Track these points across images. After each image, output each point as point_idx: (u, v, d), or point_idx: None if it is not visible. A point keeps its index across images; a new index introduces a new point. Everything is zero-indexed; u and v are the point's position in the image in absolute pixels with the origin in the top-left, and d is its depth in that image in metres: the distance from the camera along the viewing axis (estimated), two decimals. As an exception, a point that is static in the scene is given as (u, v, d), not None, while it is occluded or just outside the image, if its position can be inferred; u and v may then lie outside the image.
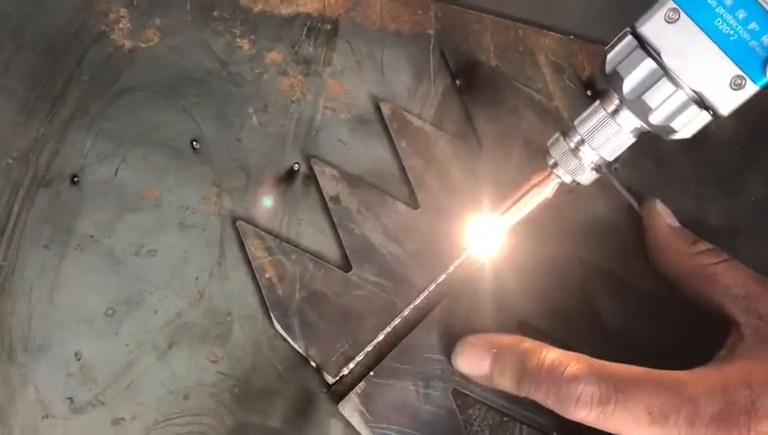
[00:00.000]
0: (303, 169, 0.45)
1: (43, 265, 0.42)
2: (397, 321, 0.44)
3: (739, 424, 0.36)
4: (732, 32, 0.36)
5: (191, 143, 0.45)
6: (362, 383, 0.42)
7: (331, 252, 0.45)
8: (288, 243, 0.44)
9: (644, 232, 0.46)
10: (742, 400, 0.36)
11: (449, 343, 0.43)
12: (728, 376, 0.37)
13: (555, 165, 0.40)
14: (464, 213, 0.45)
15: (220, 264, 0.44)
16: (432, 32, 0.49)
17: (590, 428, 0.38)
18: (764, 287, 0.41)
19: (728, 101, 0.36)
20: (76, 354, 0.42)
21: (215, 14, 0.47)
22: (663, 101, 0.36)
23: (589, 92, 0.49)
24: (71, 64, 0.45)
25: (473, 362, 0.41)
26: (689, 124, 0.37)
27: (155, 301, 0.43)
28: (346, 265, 0.44)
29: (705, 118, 0.37)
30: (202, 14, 0.46)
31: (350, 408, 0.42)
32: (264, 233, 0.44)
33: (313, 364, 0.43)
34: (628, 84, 0.37)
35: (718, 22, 0.36)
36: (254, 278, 0.43)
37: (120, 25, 0.46)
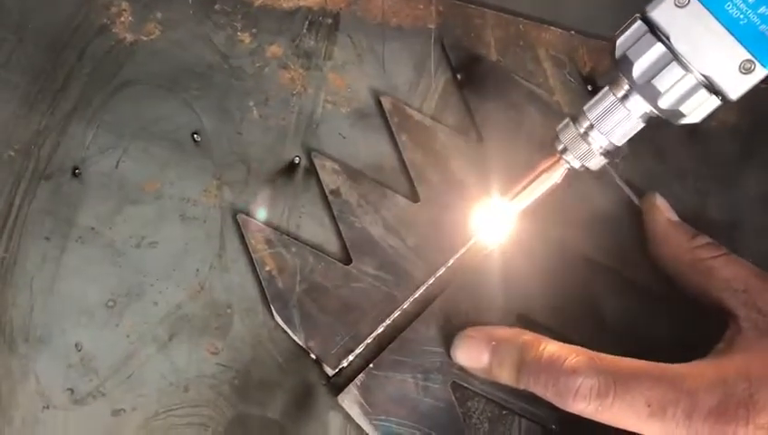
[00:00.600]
0: (304, 162, 0.46)
1: (44, 257, 0.42)
2: (396, 313, 0.44)
3: (737, 417, 0.36)
4: (742, 16, 0.36)
5: (192, 136, 0.45)
6: (362, 375, 0.42)
7: (332, 245, 0.45)
8: (288, 236, 0.44)
9: (643, 226, 0.46)
10: (740, 393, 0.36)
11: (448, 336, 0.43)
12: (727, 369, 0.37)
13: (564, 150, 0.40)
14: (464, 206, 0.45)
15: (220, 256, 0.44)
16: (433, 26, 0.49)
17: (588, 420, 0.38)
18: (764, 281, 0.41)
19: (737, 86, 0.36)
20: (77, 345, 0.42)
21: (216, 7, 0.47)
22: (672, 85, 0.37)
23: (589, 87, 0.49)
24: (72, 57, 0.45)
25: (472, 354, 0.41)
26: (698, 108, 0.37)
27: (155, 293, 0.43)
28: (346, 258, 0.44)
29: (714, 102, 0.37)
30: (203, 7, 0.47)
31: (349, 400, 0.42)
32: (264, 225, 0.44)
33: (313, 356, 0.43)
34: (638, 68, 0.37)
35: (728, 6, 0.36)
36: (254, 270, 0.43)
37: (122, 19, 0.46)
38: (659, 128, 0.47)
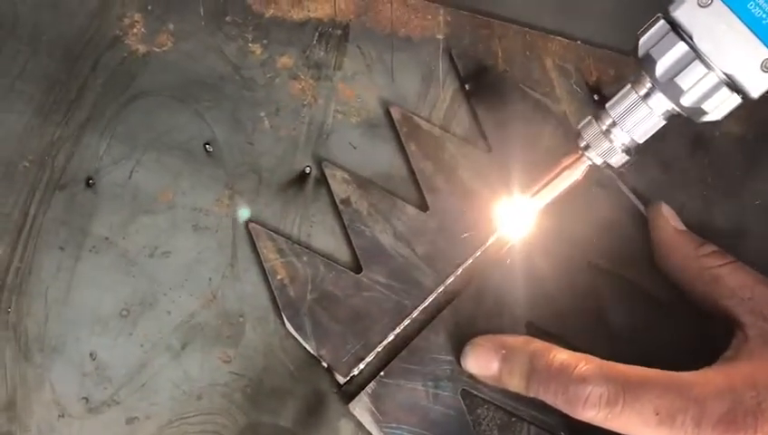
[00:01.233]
0: (315, 172, 0.46)
1: (58, 267, 0.43)
2: (407, 322, 0.44)
3: (746, 425, 0.36)
4: (764, 15, 0.36)
5: (204, 146, 0.45)
6: (373, 383, 0.43)
7: (342, 254, 0.45)
8: (299, 245, 0.45)
9: (650, 235, 0.46)
10: (748, 401, 0.36)
11: (458, 344, 0.43)
12: (734, 377, 0.37)
13: (587, 147, 0.41)
14: (473, 215, 0.45)
15: (232, 265, 0.44)
16: (441, 37, 0.49)
17: (597, 428, 0.38)
18: (770, 289, 0.41)
19: (759, 84, 0.37)
20: (91, 354, 0.42)
21: (227, 19, 0.47)
22: (695, 84, 0.37)
23: (596, 97, 0.50)
24: (86, 69, 0.45)
25: (482, 362, 0.42)
26: (720, 106, 0.38)
27: (168, 302, 0.43)
28: (356, 267, 0.45)
29: (735, 100, 0.38)
30: (215, 19, 0.47)
31: (360, 407, 0.43)
32: (275, 235, 0.44)
33: (324, 365, 0.43)
34: (661, 67, 0.38)
35: (751, 5, 0.36)
36: (265, 279, 0.44)
37: (134, 30, 0.46)
38: (666, 137, 0.48)
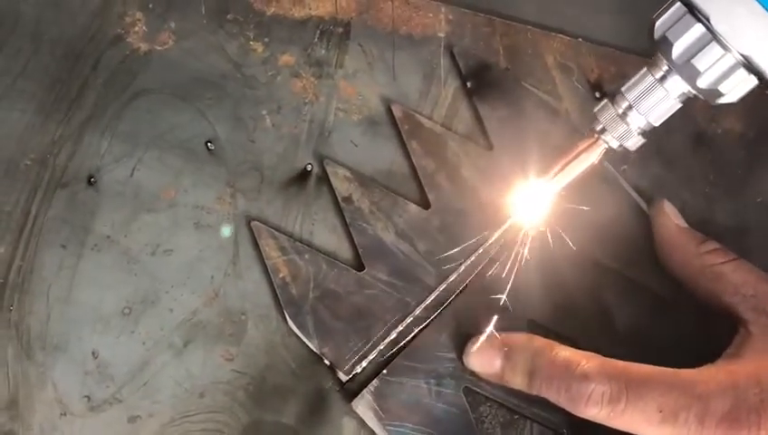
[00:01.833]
0: (316, 169, 0.46)
1: (60, 265, 0.43)
2: (409, 320, 0.44)
3: (749, 422, 0.36)
4: None
5: (206, 144, 0.45)
6: (375, 381, 0.43)
7: (344, 251, 0.45)
8: (301, 242, 0.45)
9: (652, 232, 0.46)
10: (752, 398, 0.36)
11: (460, 342, 0.43)
12: (738, 374, 0.37)
13: (603, 130, 0.41)
14: (474, 213, 0.45)
15: (234, 263, 0.44)
16: (442, 34, 0.49)
17: (600, 425, 0.38)
18: (772, 286, 0.41)
19: None
20: (93, 353, 0.42)
21: (228, 17, 0.47)
22: (712, 65, 0.37)
23: (597, 94, 0.50)
24: (87, 67, 0.45)
25: (484, 360, 0.42)
26: (736, 88, 0.38)
27: (170, 300, 0.43)
28: (359, 265, 0.45)
29: (752, 82, 0.38)
30: (216, 17, 0.47)
31: (363, 405, 0.43)
32: (277, 233, 0.44)
33: (327, 363, 0.43)
34: (678, 49, 0.38)
35: None
36: (267, 277, 0.44)
37: (136, 29, 0.46)
38: (668, 135, 0.48)
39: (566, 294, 0.45)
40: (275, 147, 0.46)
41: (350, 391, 0.43)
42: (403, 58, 0.49)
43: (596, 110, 0.41)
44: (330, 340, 0.43)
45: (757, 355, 0.39)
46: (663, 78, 0.39)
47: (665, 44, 0.38)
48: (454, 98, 0.48)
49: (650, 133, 0.41)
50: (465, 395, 0.43)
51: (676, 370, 0.38)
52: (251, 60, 0.47)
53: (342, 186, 0.46)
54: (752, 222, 0.49)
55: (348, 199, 0.46)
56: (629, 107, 0.40)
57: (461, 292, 0.45)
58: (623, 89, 0.40)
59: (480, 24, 0.50)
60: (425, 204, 0.46)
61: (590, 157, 0.41)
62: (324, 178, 0.46)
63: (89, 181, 0.44)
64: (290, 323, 0.43)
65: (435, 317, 0.44)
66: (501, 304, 0.44)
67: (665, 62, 0.38)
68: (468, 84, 0.48)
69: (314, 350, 0.43)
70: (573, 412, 0.38)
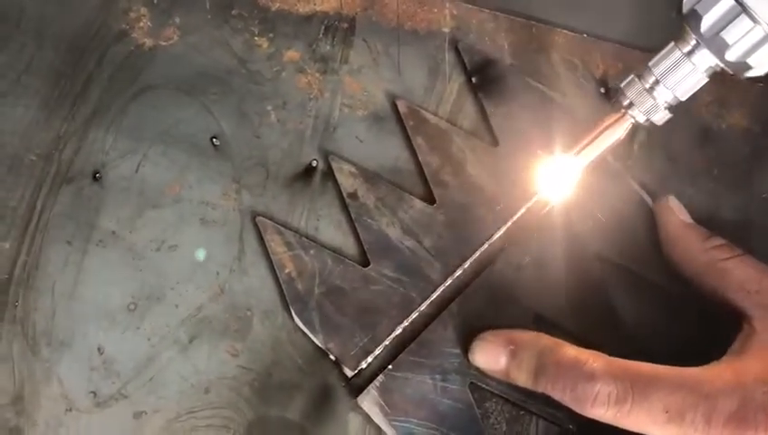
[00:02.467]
0: (321, 165, 0.46)
1: (65, 261, 0.43)
2: (414, 315, 0.44)
3: (756, 421, 0.36)
4: None
5: (211, 140, 0.45)
6: (381, 377, 0.43)
7: (350, 247, 0.45)
8: (307, 238, 0.45)
9: (657, 228, 0.46)
10: (759, 396, 0.36)
11: (466, 337, 0.43)
12: (744, 373, 0.37)
13: (630, 105, 0.41)
14: (480, 208, 0.45)
15: (240, 259, 0.44)
16: (447, 30, 0.49)
17: (606, 424, 0.38)
18: (778, 282, 0.41)
19: None
20: (99, 349, 0.42)
21: (233, 12, 0.47)
22: (741, 38, 0.37)
23: (602, 90, 0.50)
24: (92, 63, 0.45)
25: (490, 357, 0.42)
26: (765, 61, 0.38)
27: (176, 296, 0.43)
28: (364, 261, 0.45)
29: None
30: (221, 12, 0.47)
31: (368, 401, 0.43)
32: (283, 228, 0.44)
33: (332, 358, 0.43)
34: (707, 22, 0.38)
35: None
36: (273, 273, 0.44)
37: (141, 24, 0.46)
38: (673, 130, 0.48)
39: (572, 290, 0.45)
40: (281, 142, 0.46)
41: (356, 386, 0.43)
42: (408, 53, 0.48)
43: (623, 84, 0.41)
44: (335, 335, 0.43)
45: (763, 352, 0.38)
46: (691, 52, 0.39)
47: (693, 18, 0.38)
48: (459, 93, 0.48)
49: (676, 108, 0.41)
50: (470, 391, 0.43)
51: (682, 368, 0.38)
52: (256, 55, 0.47)
53: (347, 181, 0.46)
54: (757, 217, 0.49)
55: (353, 195, 0.45)
56: (656, 81, 0.40)
57: (466, 287, 0.45)
58: (650, 63, 0.40)
59: (485, 19, 0.49)
60: (430, 200, 0.46)
61: (617, 132, 0.41)
62: (329, 174, 0.46)
63: (94, 177, 0.44)
64: (295, 318, 0.43)
65: (441, 313, 0.44)
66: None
67: (693, 36, 0.39)
68: (473, 80, 0.48)
69: (320, 345, 0.43)
70: (579, 412, 0.38)
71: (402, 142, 0.47)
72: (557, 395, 0.39)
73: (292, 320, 0.43)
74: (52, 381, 0.41)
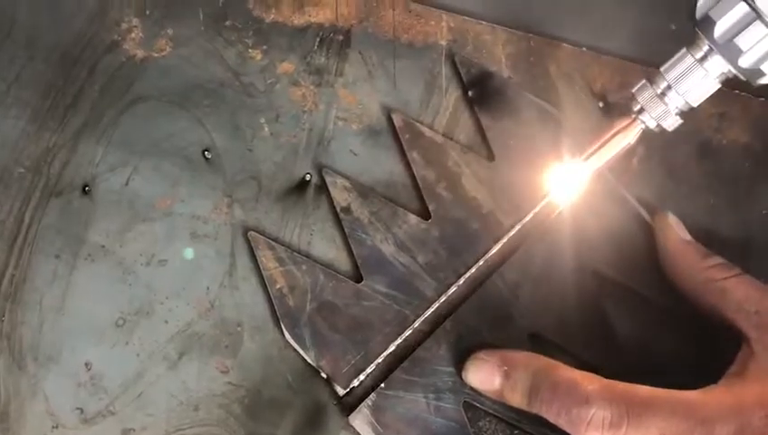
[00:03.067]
0: (315, 179, 0.45)
1: (54, 275, 0.42)
2: (408, 332, 0.43)
3: None
4: None
5: (203, 153, 0.45)
6: (373, 395, 0.42)
7: (343, 263, 0.45)
8: (299, 253, 0.44)
9: (656, 245, 0.45)
10: (756, 422, 0.35)
11: (460, 356, 0.43)
12: (742, 397, 0.36)
13: (641, 110, 0.40)
14: (475, 224, 0.45)
15: (231, 274, 0.44)
16: (444, 43, 0.48)
17: None
18: (776, 302, 0.40)
19: None
20: (86, 364, 0.42)
21: (227, 23, 0.47)
22: (755, 44, 0.37)
23: (600, 104, 0.49)
24: (83, 74, 0.45)
25: (484, 377, 0.41)
26: None
27: (165, 311, 0.43)
28: (357, 276, 0.44)
29: None
30: (214, 23, 0.46)
31: (360, 420, 0.42)
32: (275, 243, 0.44)
33: (324, 376, 0.43)
34: (720, 28, 0.37)
35: None
36: (264, 289, 0.43)
37: (133, 35, 0.46)
38: (672, 145, 0.47)
39: (569, 307, 0.45)
40: (274, 156, 0.45)
41: (348, 404, 0.42)
42: (404, 66, 0.48)
43: (634, 90, 0.41)
44: (327, 352, 0.43)
45: (761, 375, 0.38)
46: (703, 58, 0.39)
47: (707, 23, 0.38)
48: (455, 107, 0.48)
49: (687, 114, 0.40)
50: (464, 410, 0.43)
51: (678, 392, 0.37)
52: (249, 67, 0.46)
53: (341, 196, 0.45)
54: (756, 234, 0.48)
55: (347, 210, 0.45)
56: (668, 87, 0.40)
57: (460, 304, 0.44)
58: (662, 69, 0.40)
59: (482, 32, 0.49)
60: (425, 215, 0.46)
61: (627, 137, 0.41)
62: (323, 188, 0.45)
63: (83, 190, 0.43)
64: (286, 335, 0.43)
65: (434, 330, 0.44)
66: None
67: (705, 41, 0.38)
68: (470, 93, 0.48)
69: (311, 362, 0.43)
70: None
71: (397, 156, 0.47)
72: (551, 418, 0.38)
73: (283, 336, 0.43)
74: (38, 398, 0.41)
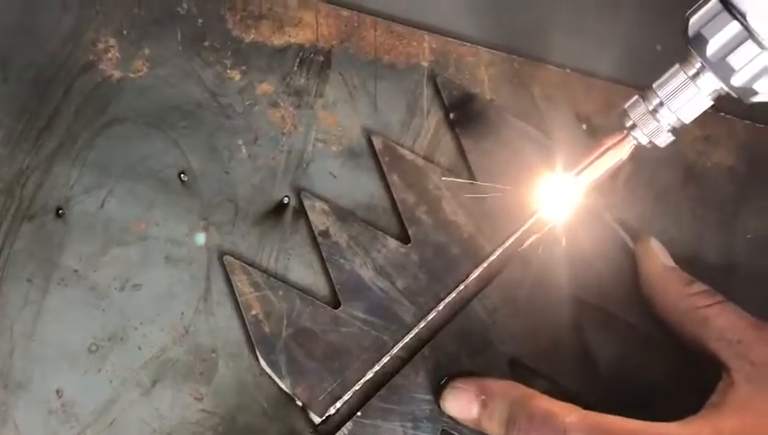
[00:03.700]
0: (293, 202, 0.45)
1: (25, 300, 0.42)
2: (386, 359, 0.43)
3: None
4: None
5: (179, 175, 0.44)
6: (349, 424, 0.42)
7: (320, 288, 0.44)
8: (276, 278, 0.43)
9: (638, 270, 0.45)
10: None
11: (438, 383, 0.42)
12: (721, 428, 0.36)
13: (633, 127, 0.40)
14: (455, 248, 0.44)
15: (206, 299, 0.43)
16: (426, 64, 0.48)
17: None
18: (759, 332, 0.40)
19: None
20: (58, 391, 0.41)
21: (205, 43, 0.46)
22: (747, 63, 0.37)
23: (584, 126, 0.48)
24: (58, 94, 0.44)
25: (461, 406, 0.41)
26: None
27: (139, 336, 0.42)
28: (335, 302, 0.44)
29: None
30: (192, 44, 0.46)
31: (336, 449, 0.41)
32: (251, 268, 0.43)
33: (299, 403, 0.42)
34: (713, 46, 0.37)
35: None
36: (240, 314, 0.43)
37: (109, 55, 0.45)
38: (656, 168, 0.47)
39: (549, 333, 0.44)
40: (251, 178, 0.45)
41: (324, 433, 0.42)
42: (385, 87, 0.47)
43: (626, 106, 0.40)
44: (303, 380, 0.42)
45: (741, 407, 0.37)
46: (696, 75, 0.38)
47: (699, 41, 0.37)
48: (436, 129, 0.47)
49: (680, 131, 0.40)
50: (442, 438, 0.42)
51: (655, 424, 0.37)
52: (228, 88, 0.46)
53: (319, 220, 0.44)
54: (740, 259, 0.48)
55: (325, 234, 0.44)
56: (660, 103, 0.39)
57: (440, 330, 0.44)
58: (654, 85, 0.40)
59: (465, 53, 0.48)
60: (404, 239, 0.45)
61: (619, 153, 0.40)
62: (301, 212, 0.45)
63: (57, 213, 0.43)
64: (262, 362, 0.42)
65: (413, 357, 0.43)
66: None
67: (698, 59, 0.38)
68: (451, 116, 0.47)
69: (287, 390, 0.42)
70: None
71: (377, 179, 0.46)
72: (530, 448, 0.38)
73: (259, 363, 0.42)
74: (8, 425, 0.40)
